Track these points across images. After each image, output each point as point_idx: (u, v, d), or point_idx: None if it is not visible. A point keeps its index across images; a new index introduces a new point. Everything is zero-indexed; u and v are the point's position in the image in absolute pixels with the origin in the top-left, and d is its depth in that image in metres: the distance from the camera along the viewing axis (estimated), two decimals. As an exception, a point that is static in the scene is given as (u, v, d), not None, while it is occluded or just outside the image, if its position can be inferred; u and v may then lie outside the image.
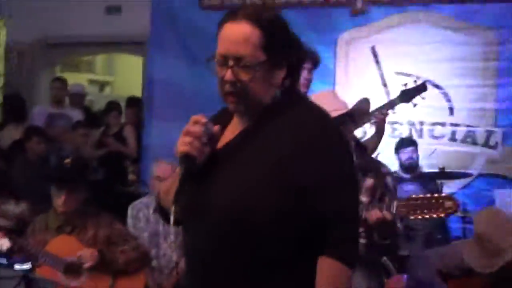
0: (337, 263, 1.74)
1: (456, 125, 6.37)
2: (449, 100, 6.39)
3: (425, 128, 6.44)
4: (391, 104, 4.18)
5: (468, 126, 6.33)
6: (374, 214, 2.89)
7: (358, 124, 3.46)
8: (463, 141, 6.34)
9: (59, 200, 3.70)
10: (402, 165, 5.85)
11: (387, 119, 6.25)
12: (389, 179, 3.10)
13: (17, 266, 3.33)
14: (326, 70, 6.70)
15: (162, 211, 1.99)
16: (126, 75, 10.31)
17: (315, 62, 4.00)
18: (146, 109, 7.09)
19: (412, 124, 6.47)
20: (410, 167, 5.82)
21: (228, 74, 1.77)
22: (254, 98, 1.80)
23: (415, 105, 4.22)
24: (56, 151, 6.34)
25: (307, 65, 3.93)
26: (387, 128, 6.49)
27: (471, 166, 6.26)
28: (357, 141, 3.52)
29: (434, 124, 6.43)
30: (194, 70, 6.96)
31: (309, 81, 3.96)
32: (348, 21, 6.75)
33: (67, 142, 6.66)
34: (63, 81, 7.42)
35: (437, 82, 6.38)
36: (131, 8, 7.47)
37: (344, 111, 3.01)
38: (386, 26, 6.61)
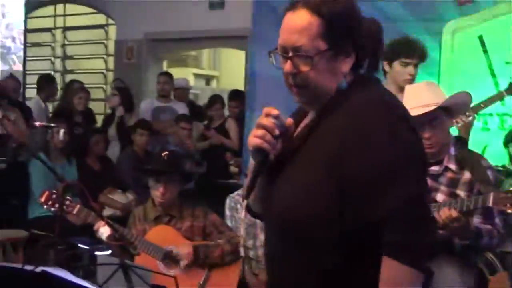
0: (397, 264, 1.63)
1: None
2: (561, 90, 6.02)
3: (533, 119, 6.12)
4: (499, 97, 3.99)
5: None
6: (442, 213, 2.81)
7: (455, 117, 3.33)
8: None
9: (157, 192, 3.80)
10: (512, 159, 5.58)
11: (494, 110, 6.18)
12: (490, 173, 2.99)
13: (98, 253, 3.41)
14: (431, 60, 6.49)
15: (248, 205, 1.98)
16: (231, 69, 10.47)
17: (421, 56, 3.86)
18: (248, 102, 7.15)
19: (522, 114, 6.16)
20: (517, 162, 5.53)
21: (288, 66, 1.73)
22: (317, 89, 1.74)
23: (523, 97, 3.99)
24: (160, 143, 6.52)
25: (411, 61, 3.80)
26: (495, 120, 6.31)
27: None
28: (457, 137, 3.41)
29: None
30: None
31: (413, 77, 3.83)
32: (454, 10, 6.50)
33: (171, 135, 6.84)
34: (169, 76, 7.63)
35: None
36: (233, 3, 7.56)
37: (436, 105, 2.92)
38: (493, 15, 6.32)
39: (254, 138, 1.75)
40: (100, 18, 9.01)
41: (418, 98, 3.00)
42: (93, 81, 8.83)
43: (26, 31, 8.65)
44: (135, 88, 7.99)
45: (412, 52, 3.78)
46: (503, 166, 5.64)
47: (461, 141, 3.39)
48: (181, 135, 6.65)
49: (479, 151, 6.21)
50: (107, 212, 5.66)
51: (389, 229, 1.62)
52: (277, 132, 1.75)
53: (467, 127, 3.68)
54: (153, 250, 3.70)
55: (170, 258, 3.72)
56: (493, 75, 6.25)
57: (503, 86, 5.96)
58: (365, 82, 1.81)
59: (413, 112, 2.99)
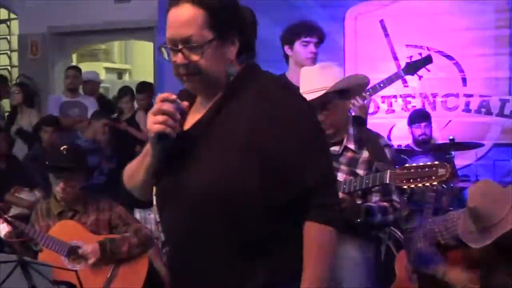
0: (324, 226, 1.82)
1: (470, 95, 6.26)
2: (461, 71, 6.27)
3: (438, 100, 6.35)
4: (396, 76, 4.11)
5: (481, 96, 6.22)
6: None
7: (350, 99, 3.41)
8: (477, 111, 6.24)
9: (57, 187, 3.72)
10: (415, 140, 5.76)
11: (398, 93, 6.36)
12: (387, 151, 3.06)
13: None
14: (335, 45, 6.63)
15: (130, 194, 2.00)
16: (143, 62, 10.36)
17: (320, 36, 3.95)
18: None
19: (425, 96, 6.38)
20: (423, 141, 5.71)
21: (179, 58, 1.81)
22: (209, 76, 1.83)
23: (420, 78, 4.13)
24: (71, 139, 6.38)
25: (311, 39, 3.90)
26: (400, 101, 6.50)
27: (486, 136, 6.15)
28: (356, 117, 3.48)
29: (447, 95, 6.33)
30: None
31: (315, 55, 3.92)
32: (355, -5, 6.66)
33: (81, 130, 6.70)
34: (77, 69, 7.46)
35: (449, 52, 6.27)
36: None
37: (325, 89, 2.97)
38: (394, -1, 6.51)
39: (155, 124, 1.80)
40: (2, 13, 8.72)
41: (310, 82, 3.05)
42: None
43: None
44: (42, 84, 7.77)
45: (311, 31, 3.88)
46: (408, 146, 5.82)
47: (360, 121, 3.45)
48: (96, 131, 6.49)
49: (385, 133, 6.46)
50: (14, 211, 5.49)
51: (311, 197, 1.81)
52: (178, 116, 1.82)
53: (363, 108, 3.76)
54: (57, 245, 3.62)
55: (75, 254, 3.65)
56: (395, 58, 6.44)
57: (405, 68, 6.19)
58: (256, 68, 1.95)
59: (306, 97, 3.06)
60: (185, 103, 1.88)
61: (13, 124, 6.77)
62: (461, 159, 5.99)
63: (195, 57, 1.80)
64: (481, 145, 5.71)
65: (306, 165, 1.81)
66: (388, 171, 2.82)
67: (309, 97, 2.98)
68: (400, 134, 6.18)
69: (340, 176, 3.06)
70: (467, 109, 6.27)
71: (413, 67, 4.13)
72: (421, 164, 2.81)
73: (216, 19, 1.80)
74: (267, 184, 1.77)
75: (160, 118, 1.79)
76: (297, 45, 3.91)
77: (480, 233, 2.91)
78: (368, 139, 3.10)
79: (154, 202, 1.87)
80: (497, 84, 6.16)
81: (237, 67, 1.90)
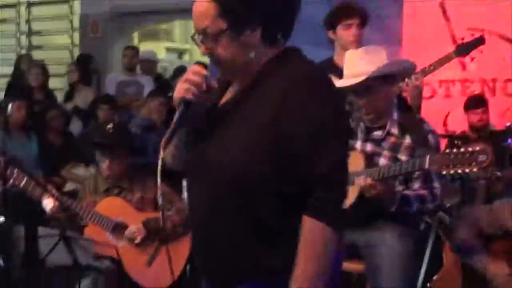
0: (318, 223, 1.75)
1: (531, 81, 6.04)
2: (523, 55, 6.05)
3: (498, 85, 6.15)
4: (447, 58, 3.98)
5: (543, 81, 5.99)
6: (358, 182, 2.86)
7: (395, 84, 3.34)
8: (539, 97, 6.02)
9: (103, 165, 3.79)
10: (472, 126, 5.59)
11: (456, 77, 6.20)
12: (430, 137, 3.00)
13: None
14: (393, 28, 6.52)
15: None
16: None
17: (363, 16, 3.85)
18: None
19: (484, 81, 6.19)
20: (480, 128, 5.54)
21: (202, 48, 1.88)
22: (230, 63, 1.86)
23: (472, 60, 4.00)
24: (125, 118, 6.49)
25: (353, 21, 3.81)
26: (458, 86, 6.33)
27: (548, 123, 5.92)
28: (400, 99, 3.41)
29: (507, 80, 6.11)
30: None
31: (358, 37, 3.83)
32: (415, -23, 6.50)
33: (137, 108, 6.79)
34: (134, 49, 7.54)
35: (510, 36, 6.05)
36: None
37: (367, 74, 2.91)
38: (456, -19, 6.32)
39: (180, 91, 1.86)
40: (64, -7, 8.91)
41: (353, 67, 3.01)
42: (59, 57, 8.73)
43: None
44: (102, 63, 7.91)
45: (352, 12, 3.78)
46: (463, 132, 5.67)
47: (405, 105, 3.38)
48: (152, 110, 6.56)
49: (441, 118, 6.32)
50: (69, 186, 5.64)
51: (314, 188, 1.76)
52: (203, 87, 1.85)
53: (415, 91, 3.67)
54: (102, 221, 3.69)
55: (120, 230, 3.72)
56: (454, 42, 6.26)
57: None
58: (292, 54, 1.92)
59: (346, 82, 3.00)
60: (215, 81, 1.92)
61: (69, 101, 6.90)
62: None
63: (213, 46, 1.85)
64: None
65: (316, 154, 1.77)
66: (428, 156, 2.77)
67: (351, 81, 2.94)
68: (457, 120, 6.02)
69: (382, 161, 3.03)
70: (528, 95, 6.06)
71: (464, 49, 3.99)
72: (462, 150, 2.73)
73: (227, 10, 1.82)
74: (279, 170, 1.78)
75: (186, 85, 1.85)
76: (340, 29, 3.82)
77: None
78: (412, 125, 3.04)
79: (159, 167, 1.86)
80: (560, 70, 5.93)
81: (264, 50, 1.88)
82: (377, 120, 3.04)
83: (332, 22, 3.87)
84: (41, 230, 3.21)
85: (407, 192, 2.98)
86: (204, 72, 1.87)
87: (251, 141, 1.79)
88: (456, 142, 5.37)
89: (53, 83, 7.61)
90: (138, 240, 3.68)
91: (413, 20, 6.51)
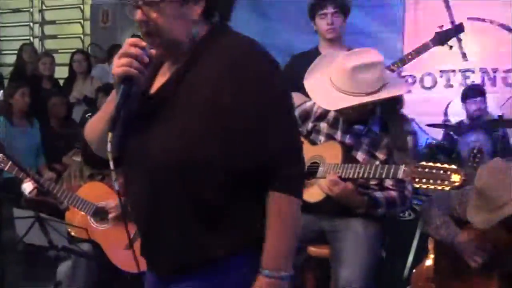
0: (288, 197, 1.77)
1: (532, 71, 5.99)
2: (524, 45, 6.00)
3: (499, 75, 6.12)
4: (424, 48, 3.96)
5: (544, 72, 5.94)
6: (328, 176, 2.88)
7: None
8: (540, 87, 5.96)
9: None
10: (469, 116, 5.57)
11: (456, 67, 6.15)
12: (409, 139, 2.98)
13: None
14: (395, 17, 6.51)
15: (85, 149, 1.95)
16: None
17: (338, 4, 3.85)
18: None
19: (484, 71, 6.15)
20: (478, 118, 5.51)
21: (138, 14, 1.75)
22: (169, 36, 1.76)
23: (451, 47, 3.97)
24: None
25: (327, 10, 3.82)
26: (458, 76, 6.29)
27: (548, 114, 5.87)
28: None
29: (508, 71, 6.08)
30: (264, 25, 7.00)
31: (333, 25, 3.83)
32: (417, -34, 6.48)
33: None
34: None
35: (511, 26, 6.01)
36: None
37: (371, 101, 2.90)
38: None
39: (119, 67, 1.72)
40: (75, -17, 9.04)
41: (341, 82, 2.94)
42: (72, 46, 8.85)
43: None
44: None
45: (326, 2, 3.81)
46: (461, 122, 5.64)
47: (391, 103, 3.38)
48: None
49: (442, 108, 6.30)
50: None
51: (274, 164, 1.74)
52: (146, 59, 1.74)
53: None
54: (83, 205, 3.74)
55: (101, 214, 3.79)
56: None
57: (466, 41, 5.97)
58: (224, 30, 1.85)
59: (331, 104, 2.99)
60: (153, 51, 1.77)
61: (71, 89, 6.99)
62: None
63: (153, 14, 1.73)
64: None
65: (268, 130, 1.75)
66: (403, 166, 2.76)
67: (335, 105, 2.93)
68: (458, 110, 5.99)
69: (360, 156, 3.03)
70: (529, 85, 6.01)
71: (442, 37, 3.96)
72: (438, 165, 2.72)
73: None
74: (229, 150, 1.71)
75: (125, 60, 1.71)
76: (317, 19, 3.89)
77: (486, 214, 2.81)
78: (393, 125, 3.01)
79: (108, 149, 1.69)
80: (562, 60, 5.86)
81: (201, 28, 1.81)
82: (359, 116, 3.06)
83: (311, 13, 3.93)
84: (16, 212, 3.28)
85: (377, 194, 2.99)
86: (143, 43, 1.74)
87: (192, 125, 1.71)
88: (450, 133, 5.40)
89: (63, 72, 7.71)
90: (110, 216, 3.72)
91: (415, 8, 6.49)
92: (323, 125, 3.15)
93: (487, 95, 5.60)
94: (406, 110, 4.65)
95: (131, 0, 1.76)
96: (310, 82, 3.11)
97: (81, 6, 9.03)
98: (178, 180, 1.73)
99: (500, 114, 5.24)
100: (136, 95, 1.78)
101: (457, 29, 3.98)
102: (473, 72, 6.20)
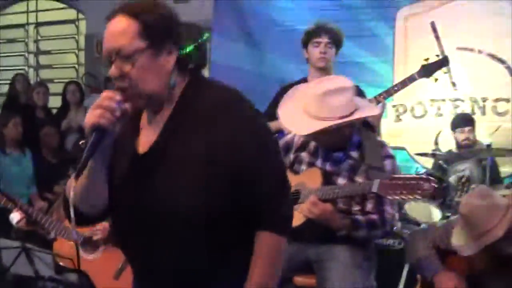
0: (275, 236, 1.86)
1: (521, 100, 6.03)
2: (513, 75, 6.06)
3: (488, 104, 6.15)
4: (410, 80, 4.02)
5: (533, 101, 5.98)
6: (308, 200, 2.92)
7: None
8: (528, 116, 6.00)
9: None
10: (458, 145, 5.60)
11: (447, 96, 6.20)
12: (387, 163, 3.02)
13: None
14: (385, 46, 6.57)
15: (67, 208, 1.88)
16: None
17: (334, 37, 3.93)
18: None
19: (474, 100, 6.20)
20: (467, 147, 5.54)
21: (112, 69, 1.79)
22: (144, 88, 1.80)
23: (436, 80, 4.03)
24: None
25: (322, 40, 3.89)
26: (449, 104, 6.34)
27: (537, 143, 5.91)
28: (365, 123, 3.44)
29: (497, 100, 6.12)
30: (255, 53, 7.06)
31: (325, 55, 3.90)
32: (406, -4, 6.57)
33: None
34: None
35: (500, 56, 6.08)
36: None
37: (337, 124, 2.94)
38: (445, 0, 6.36)
39: (92, 117, 1.77)
40: (71, 13, 9.11)
41: (311, 108, 3.00)
42: (66, 76, 8.92)
43: None
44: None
45: (321, 31, 3.88)
46: (449, 151, 5.67)
47: (368, 128, 3.42)
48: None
49: (432, 136, 6.33)
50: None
51: (265, 205, 1.84)
52: (118, 113, 1.77)
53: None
54: (71, 235, 3.76)
55: (89, 243, 3.79)
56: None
57: (456, 71, 6.04)
58: (204, 82, 1.93)
59: (302, 129, 3.04)
60: (128, 105, 1.81)
61: (63, 119, 7.02)
62: (509, 166, 5.81)
63: (127, 68, 1.77)
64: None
65: (263, 174, 1.85)
66: (378, 180, 2.79)
67: (310, 127, 2.97)
68: (448, 139, 6.02)
69: (340, 181, 3.06)
70: (517, 115, 6.05)
71: (428, 70, 4.02)
72: (409, 175, 2.78)
73: (149, 29, 1.78)
74: (233, 197, 1.81)
75: (98, 112, 1.76)
76: (310, 47, 3.96)
77: (471, 241, 2.84)
78: (371, 149, 3.05)
79: (71, 198, 1.76)
80: (550, 90, 5.91)
81: (178, 79, 1.87)
82: (336, 144, 3.09)
83: (305, 40, 4.00)
84: (2, 242, 3.29)
85: (358, 216, 3.01)
86: (117, 97, 1.78)
87: (195, 175, 1.78)
88: (440, 162, 5.44)
89: (58, 101, 7.74)
90: (97, 237, 3.72)
91: (404, 38, 6.56)
92: (304, 155, 3.19)
93: (477, 124, 5.65)
94: (397, 139, 4.71)
95: (104, 55, 1.82)
96: (283, 110, 3.18)
97: (76, 36, 9.12)
98: (193, 231, 1.81)
99: (489, 142, 5.25)
100: (108, 146, 1.83)
101: (443, 62, 4.05)
102: (462, 101, 6.23)
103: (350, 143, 3.08)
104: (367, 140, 3.11)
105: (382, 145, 3.14)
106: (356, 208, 3.05)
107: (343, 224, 2.98)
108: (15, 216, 3.65)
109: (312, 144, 3.19)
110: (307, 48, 3.99)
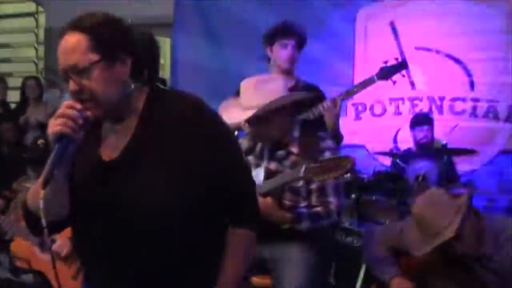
0: (249, 232, 2.02)
1: (477, 100, 6.16)
2: (469, 75, 6.18)
3: (446, 103, 6.27)
4: (370, 81, 4.07)
5: (489, 101, 6.11)
6: None
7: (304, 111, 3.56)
8: (485, 116, 6.14)
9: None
10: (417, 144, 5.70)
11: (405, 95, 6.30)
12: (327, 154, 3.08)
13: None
14: (345, 46, 6.64)
15: (28, 216, 1.96)
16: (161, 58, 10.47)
17: (300, 37, 3.94)
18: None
19: (432, 99, 6.31)
20: (425, 145, 5.64)
21: (71, 85, 1.83)
22: (102, 98, 1.85)
23: (394, 83, 4.09)
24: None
25: (290, 41, 3.90)
26: (407, 104, 6.44)
27: (493, 142, 6.06)
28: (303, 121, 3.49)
29: (454, 99, 6.24)
30: (217, 50, 7.07)
31: (292, 57, 3.92)
32: (366, -4, 6.65)
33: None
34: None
35: (458, 56, 6.19)
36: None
37: (261, 110, 2.99)
38: (404, 0, 6.45)
39: (54, 126, 1.81)
40: (30, 6, 8.99)
41: (245, 98, 3.07)
42: (25, 70, 8.81)
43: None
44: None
45: (290, 32, 3.89)
46: (408, 150, 5.77)
47: (307, 124, 3.47)
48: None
49: (391, 135, 6.43)
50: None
51: (237, 204, 1.99)
52: (80, 120, 1.82)
53: (331, 111, 3.76)
54: (30, 235, 3.73)
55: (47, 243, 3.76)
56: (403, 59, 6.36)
57: (414, 71, 6.13)
58: (166, 90, 2.03)
59: (240, 115, 3.08)
60: (89, 113, 1.85)
61: (22, 114, 6.94)
62: (467, 165, 5.93)
63: (84, 81, 1.82)
64: (473, 151, 5.62)
65: (236, 176, 2.00)
66: (304, 165, 2.85)
67: (244, 114, 3.03)
68: (407, 137, 6.12)
69: None
70: (474, 114, 6.18)
71: (387, 72, 4.07)
72: (330, 158, 2.88)
73: (99, 41, 1.83)
74: (207, 198, 1.92)
75: (60, 121, 1.80)
76: (276, 47, 3.93)
77: (423, 241, 2.91)
78: (310, 143, 3.12)
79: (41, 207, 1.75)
80: (505, 89, 6.04)
81: (135, 88, 1.92)
82: (276, 143, 3.14)
83: (270, 39, 3.97)
84: None
85: (301, 209, 3.06)
86: (78, 106, 1.82)
87: (176, 180, 1.86)
88: (398, 161, 5.53)
89: (16, 96, 7.65)
90: (63, 253, 3.72)
91: (365, 37, 6.63)
92: (251, 158, 3.25)
93: (435, 123, 5.75)
94: (356, 137, 4.75)
95: (60, 73, 1.85)
96: (223, 105, 3.24)
97: (35, 30, 9.00)
98: (166, 234, 1.89)
99: (446, 141, 5.36)
100: (70, 154, 1.85)
101: (401, 66, 4.09)
102: (421, 100, 6.34)
103: (291, 139, 3.14)
104: (306, 135, 3.18)
105: (322, 138, 3.19)
106: (303, 203, 3.11)
107: (285, 217, 3.03)
108: (-33, 217, 3.61)
109: (258, 147, 3.25)
110: (271, 47, 3.98)
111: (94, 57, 1.82)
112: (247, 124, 3.17)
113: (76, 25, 1.84)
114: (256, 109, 2.98)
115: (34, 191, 1.94)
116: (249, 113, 3.00)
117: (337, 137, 3.78)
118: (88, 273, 2.10)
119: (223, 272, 1.97)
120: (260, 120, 3.05)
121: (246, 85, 3.11)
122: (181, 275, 1.93)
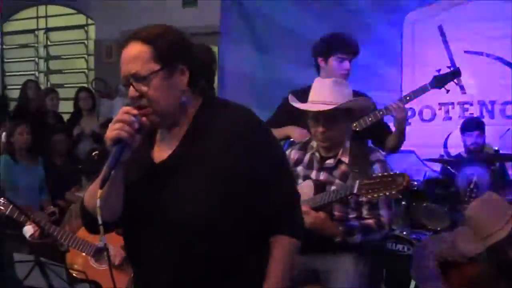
0: (293, 239, 2.04)
1: (529, 103, 6.05)
2: (521, 78, 6.06)
3: (497, 107, 6.17)
4: (422, 90, 4.03)
5: (541, 104, 6.00)
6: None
7: (355, 119, 3.53)
8: (537, 119, 6.02)
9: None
10: (467, 149, 5.62)
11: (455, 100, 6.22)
12: (376, 166, 3.08)
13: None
14: (393, 50, 6.59)
15: (86, 215, 2.03)
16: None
17: (356, 52, 3.93)
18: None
19: (482, 103, 6.22)
20: (476, 151, 5.55)
21: (131, 91, 1.93)
22: (160, 106, 1.93)
23: (448, 91, 4.06)
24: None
25: (349, 56, 3.88)
26: (457, 108, 6.35)
27: (546, 146, 5.92)
28: (356, 132, 3.49)
29: (506, 103, 6.14)
30: (264, 59, 7.11)
31: (348, 71, 3.91)
32: (414, 1, 6.58)
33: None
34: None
35: (509, 59, 6.08)
36: (205, 2, 7.69)
37: (335, 105, 3.01)
38: (453, 4, 6.38)
39: (112, 131, 1.88)
40: (80, 19, 9.17)
41: (321, 94, 3.10)
42: (76, 81, 8.99)
43: (6, 33, 8.86)
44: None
45: (348, 48, 3.87)
46: (459, 155, 5.69)
47: (359, 135, 3.47)
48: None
49: (441, 140, 6.34)
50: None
51: (281, 213, 2.02)
52: (136, 125, 1.89)
53: (401, 110, 3.77)
54: (83, 246, 3.81)
55: (101, 254, 3.84)
56: (453, 65, 6.29)
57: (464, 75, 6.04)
58: (217, 100, 2.10)
59: (314, 107, 3.10)
60: (145, 119, 1.93)
61: (75, 125, 7.08)
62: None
63: (144, 89, 1.91)
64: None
65: (282, 186, 2.05)
66: (357, 181, 2.87)
67: (320, 107, 3.04)
68: (457, 142, 6.04)
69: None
70: (526, 117, 6.07)
71: (440, 81, 4.04)
72: (384, 174, 2.88)
73: (161, 52, 1.91)
74: (251, 207, 1.95)
75: (117, 125, 1.87)
76: (332, 59, 3.88)
77: (476, 242, 2.88)
78: (361, 154, 3.12)
79: (98, 205, 1.82)
80: (558, 93, 5.92)
81: (191, 97, 2.00)
82: (331, 149, 3.14)
83: (326, 51, 3.92)
84: (16, 256, 3.34)
85: (352, 222, 3.05)
86: (134, 111, 1.90)
87: (212, 189, 1.90)
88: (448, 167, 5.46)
89: (68, 106, 7.81)
90: (116, 262, 3.78)
91: (412, 42, 6.58)
92: (300, 169, 3.24)
93: (486, 127, 5.66)
94: (406, 142, 4.76)
95: (122, 79, 1.95)
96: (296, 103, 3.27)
97: (85, 41, 9.17)
98: (209, 241, 1.93)
99: (497, 147, 5.27)
100: (126, 157, 1.91)
101: (454, 74, 4.06)
102: (471, 104, 6.25)
103: (343, 148, 3.15)
104: (357, 146, 3.19)
105: (372, 150, 3.21)
106: (352, 215, 3.11)
107: (337, 231, 3.03)
108: (28, 230, 3.69)
109: (307, 158, 3.25)
110: (326, 59, 3.94)
111: (155, 66, 1.91)
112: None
113: (139, 36, 1.94)
114: (326, 104, 3.02)
115: (91, 191, 2.00)
116: (320, 107, 3.03)
117: (401, 140, 3.91)
118: (136, 275, 2.14)
119: (267, 279, 1.99)
120: (331, 118, 3.06)
121: (320, 84, 3.18)
122: (223, 283, 1.96)
